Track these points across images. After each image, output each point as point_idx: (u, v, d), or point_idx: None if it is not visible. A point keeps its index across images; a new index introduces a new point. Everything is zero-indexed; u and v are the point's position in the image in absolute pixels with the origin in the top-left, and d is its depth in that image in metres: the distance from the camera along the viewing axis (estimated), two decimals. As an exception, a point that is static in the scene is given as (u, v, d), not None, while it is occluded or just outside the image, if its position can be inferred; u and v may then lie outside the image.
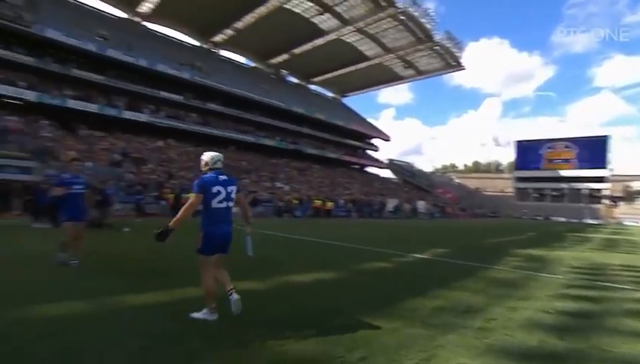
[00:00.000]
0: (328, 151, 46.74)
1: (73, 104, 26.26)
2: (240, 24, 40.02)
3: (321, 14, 40.36)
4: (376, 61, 49.05)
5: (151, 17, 37.76)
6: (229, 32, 41.58)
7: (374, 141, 58.55)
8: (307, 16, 40.31)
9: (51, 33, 25.17)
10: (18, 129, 22.97)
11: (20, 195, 16.11)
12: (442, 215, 39.24)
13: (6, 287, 4.11)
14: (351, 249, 9.03)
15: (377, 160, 58.35)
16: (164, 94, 31.74)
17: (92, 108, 27.11)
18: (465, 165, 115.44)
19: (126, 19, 37.12)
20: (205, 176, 3.28)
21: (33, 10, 25.81)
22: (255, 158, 35.70)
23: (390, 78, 54.88)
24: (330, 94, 59.82)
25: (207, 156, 3.42)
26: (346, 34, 43.27)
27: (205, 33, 41.89)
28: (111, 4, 36.20)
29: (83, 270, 5.01)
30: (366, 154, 57.05)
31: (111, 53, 28.49)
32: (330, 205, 27.21)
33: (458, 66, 50.28)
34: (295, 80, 54.80)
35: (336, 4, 38.24)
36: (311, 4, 38.43)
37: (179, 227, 3.05)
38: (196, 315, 3.27)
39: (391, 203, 34.64)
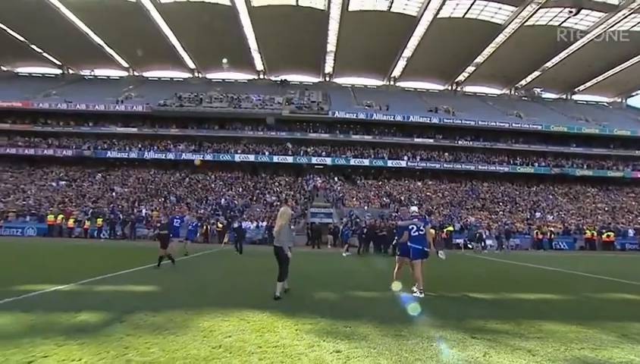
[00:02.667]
0: (607, 169, 38.32)
1: (352, 161, 34.80)
2: (479, 59, 41.01)
3: (575, 14, 35.53)
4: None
5: (400, 78, 44.87)
6: (470, 68, 43.21)
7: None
8: (555, 24, 36.53)
9: (338, 113, 35.11)
10: (322, 186, 32.84)
11: (328, 232, 23.16)
12: None
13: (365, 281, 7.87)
14: (609, 283, 8.79)
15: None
16: (417, 140, 36.52)
17: (365, 162, 34.86)
18: None
19: (382, 85, 45.79)
20: (407, 221, 6.68)
21: (327, 101, 36.97)
22: (511, 188, 34.49)
23: None
24: (605, 99, 49.34)
25: (410, 210, 6.90)
26: (615, 23, 35.78)
27: (447, 77, 45.17)
28: (370, 78, 45.82)
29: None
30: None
31: (375, 116, 36.10)
32: (609, 235, 22.93)
33: None
34: (553, 96, 48.98)
35: (594, -6, 32.83)
36: (557, 10, 34.79)
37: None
38: (416, 294, 6.26)
39: None
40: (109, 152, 35.49)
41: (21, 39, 37.74)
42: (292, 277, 5.94)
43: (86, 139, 35.95)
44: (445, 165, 35.52)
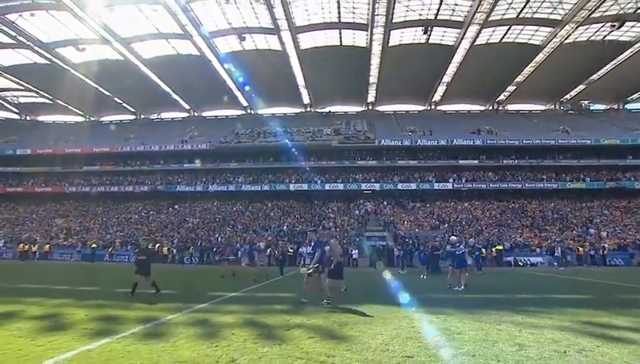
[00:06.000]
0: (670, 180, 36.96)
1: (400, 186, 36.75)
2: (520, 78, 41.89)
3: (619, 28, 35.69)
4: None
5: (441, 102, 46.68)
6: (511, 88, 44.08)
7: None
8: (598, 38, 36.90)
9: (384, 141, 37.60)
10: (372, 210, 34.98)
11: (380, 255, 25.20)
12: None
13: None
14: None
15: None
16: (462, 162, 37.86)
17: (412, 186, 36.64)
18: None
19: (423, 109, 47.79)
20: (455, 247, 10.85)
21: (373, 130, 39.63)
22: (562, 205, 34.60)
23: None
24: (662, 106, 47.71)
25: (452, 240, 10.92)
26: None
27: (488, 97, 46.30)
28: (412, 103, 48.07)
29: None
30: None
31: (420, 142, 38.07)
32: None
33: None
34: (603, 107, 48.31)
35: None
36: (598, 25, 35.27)
37: None
38: (456, 288, 9.54)
39: None
40: (178, 187, 40.11)
41: (107, 93, 44.37)
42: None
43: (158, 175, 40.97)
44: (491, 185, 36.39)
